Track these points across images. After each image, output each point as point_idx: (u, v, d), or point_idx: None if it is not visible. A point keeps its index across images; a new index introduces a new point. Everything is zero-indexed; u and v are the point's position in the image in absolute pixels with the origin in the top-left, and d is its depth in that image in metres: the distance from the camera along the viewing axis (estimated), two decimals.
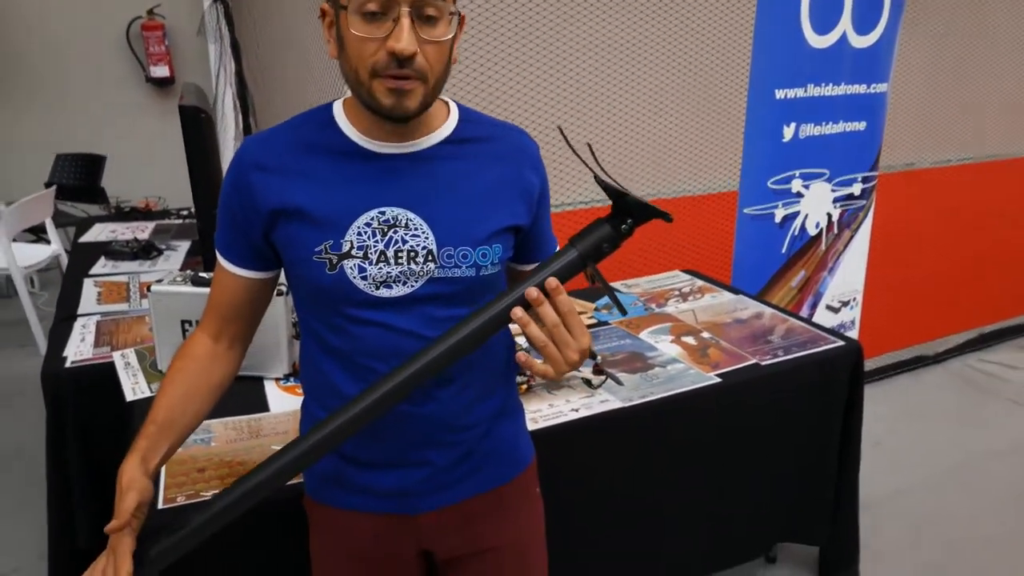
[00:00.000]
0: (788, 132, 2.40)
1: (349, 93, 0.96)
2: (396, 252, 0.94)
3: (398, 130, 0.95)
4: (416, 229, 0.95)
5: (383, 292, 0.95)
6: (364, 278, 0.94)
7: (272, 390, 1.66)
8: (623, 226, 0.88)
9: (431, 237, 0.95)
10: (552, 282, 0.86)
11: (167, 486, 1.30)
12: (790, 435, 1.92)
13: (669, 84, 2.68)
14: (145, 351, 1.83)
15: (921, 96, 3.38)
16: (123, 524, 0.89)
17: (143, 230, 3.02)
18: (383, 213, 0.94)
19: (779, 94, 2.33)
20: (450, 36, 0.89)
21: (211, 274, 1.71)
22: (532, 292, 0.86)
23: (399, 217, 0.95)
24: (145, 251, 2.65)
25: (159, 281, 1.72)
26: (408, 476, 1.03)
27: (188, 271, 1.77)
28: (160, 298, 1.67)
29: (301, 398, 1.15)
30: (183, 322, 1.67)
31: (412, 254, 0.95)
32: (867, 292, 3.03)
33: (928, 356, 3.73)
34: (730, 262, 2.51)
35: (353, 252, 0.94)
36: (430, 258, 0.95)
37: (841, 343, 1.97)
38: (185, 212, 3.33)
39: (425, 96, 0.90)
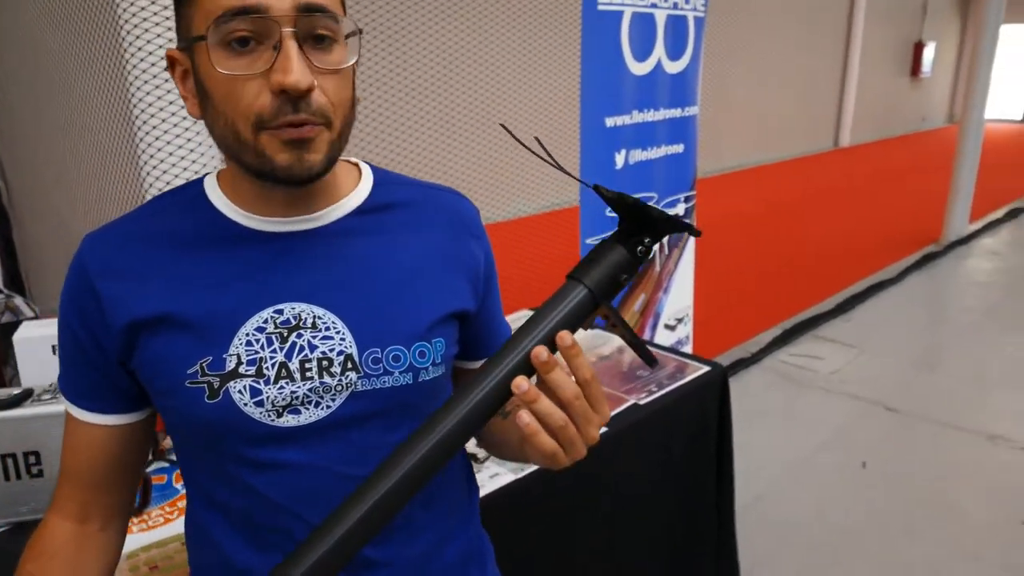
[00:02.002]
0: (620, 159, 2.39)
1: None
2: (303, 363, 0.69)
3: (295, 200, 0.71)
4: (327, 329, 0.70)
5: (288, 420, 0.69)
6: (259, 404, 0.68)
7: None
8: (639, 248, 0.65)
9: (348, 337, 0.70)
10: (566, 337, 0.61)
11: None
12: (672, 471, 1.86)
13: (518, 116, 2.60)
14: None
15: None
16: None
17: None
18: (280, 312, 0.70)
19: (609, 122, 2.31)
20: (351, 62, 0.67)
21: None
22: (541, 352, 0.60)
23: (303, 315, 0.70)
24: None
25: None
26: None
27: None
28: None
29: None
30: None
31: (325, 363, 0.70)
32: (695, 305, 3.13)
33: (747, 357, 3.95)
34: None
35: (242, 369, 0.68)
36: (350, 366, 0.70)
37: (707, 368, 1.95)
38: None
39: (331, 146, 0.67)
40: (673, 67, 2.51)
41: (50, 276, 4.49)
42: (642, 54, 2.35)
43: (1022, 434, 3.16)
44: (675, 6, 2.42)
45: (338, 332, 0.71)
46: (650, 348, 2.13)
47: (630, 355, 2.06)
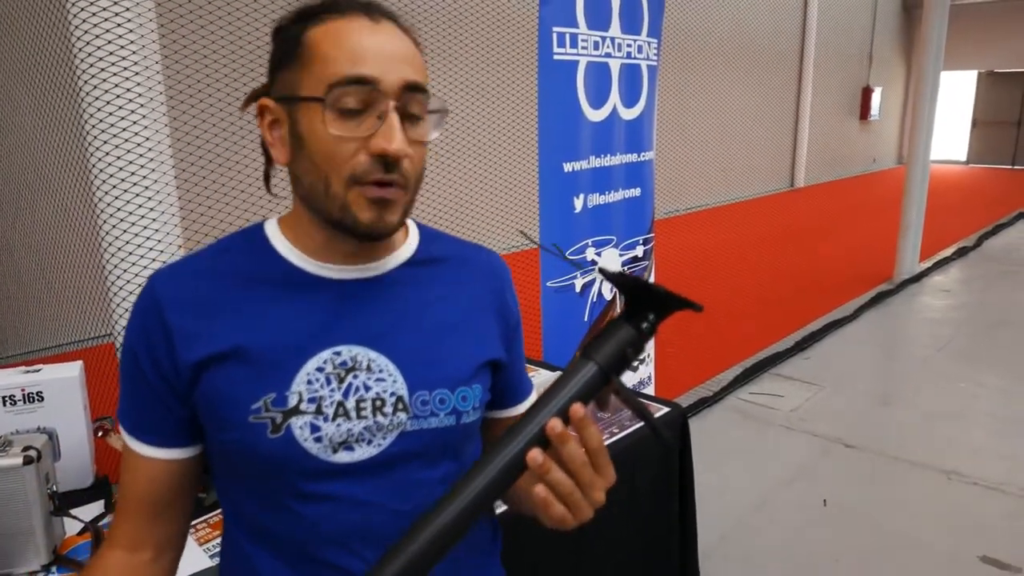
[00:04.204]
0: (578, 203, 2.44)
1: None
2: (358, 402, 0.75)
3: (358, 251, 0.77)
4: (381, 371, 0.76)
5: (343, 456, 0.74)
6: (318, 439, 0.73)
7: None
8: (644, 324, 0.69)
9: (400, 380, 0.76)
10: (578, 410, 0.66)
11: None
12: (635, 512, 1.86)
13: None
14: None
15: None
16: None
17: None
18: (338, 354, 0.75)
19: (567, 167, 2.36)
20: (433, 137, 0.74)
21: None
22: (556, 425, 0.64)
23: (358, 358, 0.76)
24: None
25: None
26: None
27: None
28: None
29: None
30: None
31: (378, 403, 0.75)
32: (656, 346, 3.16)
33: (708, 397, 3.99)
34: (539, 338, 2.46)
35: (303, 406, 0.73)
36: (400, 407, 0.76)
37: (667, 409, 1.98)
38: None
39: (405, 207, 0.75)
40: (628, 114, 2.58)
41: (4, 327, 4.38)
42: (598, 101, 2.42)
43: (976, 469, 3.23)
44: (628, 55, 2.50)
45: (390, 375, 0.76)
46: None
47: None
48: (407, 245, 0.83)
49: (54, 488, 1.34)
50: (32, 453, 1.27)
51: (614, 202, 2.62)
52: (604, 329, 0.70)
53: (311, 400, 0.73)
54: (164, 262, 1.72)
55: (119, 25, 1.60)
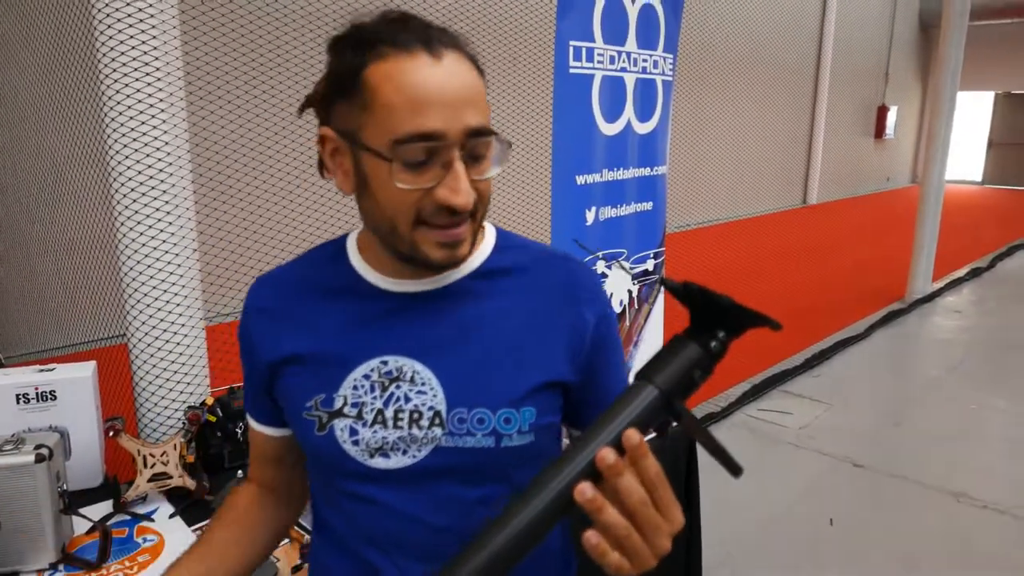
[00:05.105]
0: (590, 216, 2.44)
1: None
2: (396, 412, 0.76)
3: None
4: (423, 384, 0.76)
5: (378, 462, 0.76)
6: (356, 443, 0.77)
7: None
8: (714, 343, 0.60)
9: (440, 395, 0.76)
10: (633, 437, 0.57)
11: None
12: None
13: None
14: None
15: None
16: None
17: None
18: (385, 363, 0.77)
19: (579, 180, 2.37)
20: (496, 172, 0.73)
21: None
22: (608, 456, 0.56)
23: (403, 368, 0.77)
24: None
25: None
26: None
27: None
28: None
29: None
30: None
31: (415, 415, 0.76)
32: None
33: (716, 412, 3.98)
34: None
35: (346, 410, 0.77)
36: (436, 421, 0.76)
37: (674, 424, 1.97)
38: None
39: (474, 233, 0.76)
40: (642, 128, 2.59)
41: (18, 325, 4.42)
42: (612, 115, 2.43)
43: (985, 492, 3.21)
44: (644, 71, 2.51)
45: (431, 389, 0.76)
46: None
47: None
48: (476, 255, 0.81)
49: (64, 486, 1.35)
50: (44, 451, 1.28)
51: (626, 215, 2.63)
52: (666, 347, 0.62)
53: (354, 405, 0.76)
54: (179, 264, 1.74)
55: (143, 31, 1.62)
